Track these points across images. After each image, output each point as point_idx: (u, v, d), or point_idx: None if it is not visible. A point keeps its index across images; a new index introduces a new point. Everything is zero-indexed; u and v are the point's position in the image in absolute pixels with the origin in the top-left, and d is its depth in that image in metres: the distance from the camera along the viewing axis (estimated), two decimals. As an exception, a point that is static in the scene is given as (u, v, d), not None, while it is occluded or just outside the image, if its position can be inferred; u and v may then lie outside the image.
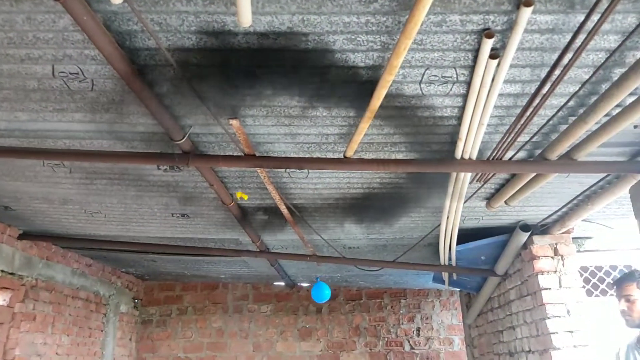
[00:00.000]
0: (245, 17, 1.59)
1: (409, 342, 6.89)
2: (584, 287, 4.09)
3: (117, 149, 2.75)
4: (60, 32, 1.84)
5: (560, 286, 3.92)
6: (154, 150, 2.76)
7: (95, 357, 5.76)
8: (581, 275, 4.19)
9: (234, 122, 2.35)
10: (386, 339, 6.92)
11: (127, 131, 2.57)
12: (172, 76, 2.07)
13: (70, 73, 2.09)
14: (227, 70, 2.03)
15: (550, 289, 3.91)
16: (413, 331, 6.93)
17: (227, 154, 2.79)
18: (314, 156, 2.82)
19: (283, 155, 2.81)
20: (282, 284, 7.08)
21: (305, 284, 7.17)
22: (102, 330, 5.95)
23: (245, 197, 3.40)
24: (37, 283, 4.71)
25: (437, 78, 2.08)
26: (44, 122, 2.49)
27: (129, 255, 5.44)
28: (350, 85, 2.13)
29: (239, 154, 2.73)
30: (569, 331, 3.76)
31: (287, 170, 3.04)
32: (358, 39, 1.84)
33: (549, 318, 3.81)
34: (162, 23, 1.77)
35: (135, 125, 2.49)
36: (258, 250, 4.74)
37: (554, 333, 3.77)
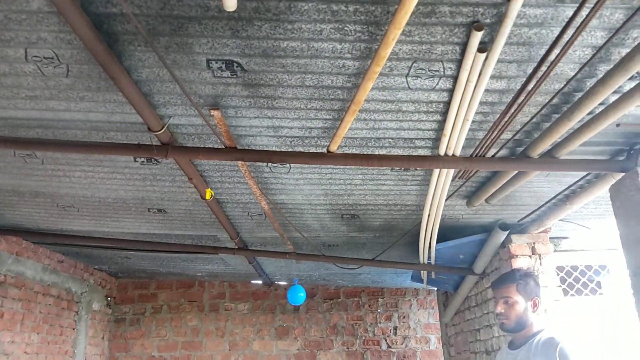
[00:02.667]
0: (231, 1, 1.53)
1: (386, 341, 6.89)
2: (559, 286, 4.13)
3: (92, 139, 2.66)
4: (34, 13, 1.75)
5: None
6: (131, 142, 2.67)
7: (67, 356, 5.59)
8: (557, 274, 4.23)
9: (215, 112, 2.29)
10: (363, 338, 6.90)
11: (103, 120, 2.48)
12: (152, 62, 2.00)
13: (45, 58, 2.00)
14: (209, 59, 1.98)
15: (527, 287, 3.93)
16: (390, 330, 6.93)
17: (207, 146, 2.72)
18: (297, 150, 2.77)
19: (265, 149, 2.76)
20: (260, 282, 7.00)
21: (283, 283, 7.11)
22: (73, 329, 5.79)
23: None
24: (6, 279, 4.54)
25: (424, 71, 2.05)
26: (15, 109, 2.38)
27: (102, 252, 5.30)
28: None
29: (220, 147, 2.67)
30: (546, 329, 3.79)
31: (269, 164, 2.99)
32: (346, 28, 1.80)
33: (526, 316, 3.83)
34: (142, 6, 1.70)
35: (111, 114, 2.41)
36: (236, 247, 4.66)
37: (531, 331, 3.79)
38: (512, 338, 2.47)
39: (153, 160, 2.93)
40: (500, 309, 2.40)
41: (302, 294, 5.87)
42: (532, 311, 2.37)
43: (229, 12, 1.69)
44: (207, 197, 3.23)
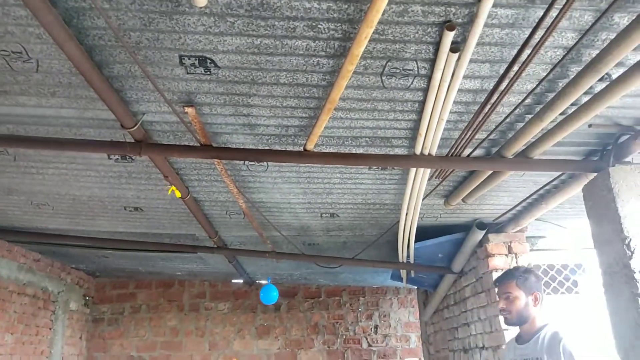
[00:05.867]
0: (201, -3, 1.52)
1: (366, 339, 6.91)
2: (536, 284, 4.17)
3: (64, 135, 2.61)
4: (0, 6, 1.72)
5: (514, 283, 3.98)
6: (104, 139, 2.64)
7: (42, 356, 5.50)
8: (534, 273, 4.28)
9: (189, 109, 2.27)
10: (344, 337, 6.92)
11: (75, 117, 2.43)
12: (123, 58, 1.97)
13: (13, 52, 1.96)
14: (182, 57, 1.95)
15: (504, 286, 3.96)
16: (371, 329, 6.96)
17: (182, 143, 2.69)
18: (274, 148, 2.76)
19: (242, 147, 2.74)
20: (241, 281, 6.97)
21: (264, 282, 7.08)
22: (50, 329, 5.70)
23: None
24: (-22, 278, 4.46)
25: (398, 71, 2.06)
26: (-16, 104, 2.33)
27: (79, 251, 5.22)
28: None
29: (195, 145, 2.64)
30: (522, 328, 3.83)
31: (246, 163, 2.97)
32: (319, 26, 1.80)
33: (502, 315, 3.87)
34: (112, 0, 1.68)
35: (84, 110, 2.37)
36: (215, 246, 4.63)
37: (507, 329, 3.83)
38: (520, 332, 2.53)
39: (127, 157, 2.89)
40: (502, 304, 2.49)
41: (275, 293, 5.88)
42: (533, 305, 2.45)
43: (200, 7, 1.67)
44: (178, 194, 3.18)
